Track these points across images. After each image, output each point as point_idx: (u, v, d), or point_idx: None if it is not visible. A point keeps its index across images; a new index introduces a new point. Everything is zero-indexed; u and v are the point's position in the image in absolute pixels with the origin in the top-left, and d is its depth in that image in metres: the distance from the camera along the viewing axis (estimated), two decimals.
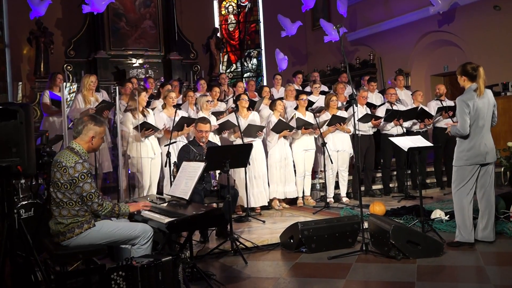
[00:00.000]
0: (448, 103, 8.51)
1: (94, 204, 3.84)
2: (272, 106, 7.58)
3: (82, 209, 3.84)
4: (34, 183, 5.44)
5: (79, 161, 3.81)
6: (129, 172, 6.86)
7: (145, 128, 6.62)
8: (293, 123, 7.45)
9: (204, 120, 6.20)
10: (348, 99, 8.82)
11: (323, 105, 8.09)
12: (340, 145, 7.72)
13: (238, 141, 7.17)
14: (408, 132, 8.15)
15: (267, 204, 7.41)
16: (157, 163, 6.95)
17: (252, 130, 7.09)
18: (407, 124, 8.27)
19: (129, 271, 3.40)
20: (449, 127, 5.36)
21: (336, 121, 7.56)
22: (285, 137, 7.50)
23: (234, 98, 7.85)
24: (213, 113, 7.52)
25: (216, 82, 10.83)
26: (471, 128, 5.09)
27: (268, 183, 7.46)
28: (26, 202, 5.20)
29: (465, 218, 5.11)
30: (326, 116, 7.75)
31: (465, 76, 5.18)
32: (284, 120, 7.47)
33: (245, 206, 6.95)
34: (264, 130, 7.40)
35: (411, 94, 8.93)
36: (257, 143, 7.13)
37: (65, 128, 6.12)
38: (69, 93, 7.14)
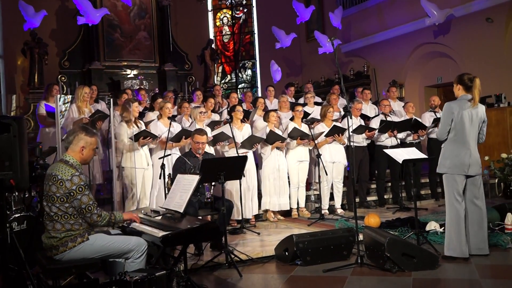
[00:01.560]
0: None
1: (93, 215, 3.82)
2: (265, 118, 7.59)
3: (77, 223, 3.81)
4: (27, 195, 5.40)
5: (76, 173, 3.79)
6: (126, 184, 6.81)
7: (143, 137, 6.60)
8: (287, 134, 7.45)
9: (201, 131, 6.20)
10: (341, 110, 8.85)
11: (318, 116, 8.10)
12: (336, 157, 7.72)
13: (231, 153, 7.16)
14: (402, 143, 8.17)
15: (257, 214, 7.38)
16: (150, 174, 6.91)
17: (251, 142, 7.09)
18: (401, 135, 8.28)
19: (122, 286, 3.37)
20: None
21: (336, 132, 7.57)
22: (279, 148, 7.49)
23: (229, 109, 7.84)
24: (209, 124, 7.51)
25: (211, 93, 10.83)
26: (457, 136, 5.12)
27: (261, 194, 7.47)
28: (19, 215, 5.14)
29: (460, 231, 5.07)
30: (321, 127, 7.76)
31: (461, 85, 5.21)
32: (276, 131, 7.46)
33: (240, 218, 6.93)
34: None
35: (403, 106, 8.95)
36: (248, 155, 7.12)
37: (59, 140, 6.08)
38: (64, 104, 7.11)
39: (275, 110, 7.78)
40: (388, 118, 8.22)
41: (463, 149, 5.12)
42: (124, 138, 6.71)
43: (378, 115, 8.58)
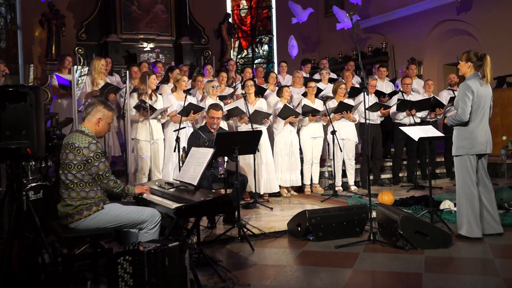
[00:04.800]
0: None
1: (110, 181, 3.91)
2: (279, 93, 7.55)
3: (92, 191, 3.86)
4: (43, 165, 5.44)
5: (93, 141, 3.86)
6: (143, 157, 6.84)
7: (143, 108, 6.59)
8: (299, 110, 7.40)
9: (217, 106, 6.17)
10: (354, 86, 8.74)
11: (331, 93, 8.03)
12: (345, 134, 7.67)
13: (243, 127, 7.14)
14: (422, 122, 8.07)
15: (278, 191, 7.40)
16: (159, 148, 6.92)
17: (258, 117, 7.06)
18: (420, 114, 8.18)
19: (135, 256, 3.39)
20: (446, 119, 5.33)
21: (343, 109, 7.51)
22: (291, 124, 7.46)
23: (242, 84, 7.82)
24: (219, 98, 7.46)
25: (224, 68, 10.78)
26: (473, 115, 5.03)
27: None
28: (35, 184, 5.21)
29: (474, 211, 5.03)
30: (332, 103, 7.70)
31: (471, 62, 5.09)
32: (290, 106, 7.43)
33: (253, 192, 6.95)
34: (271, 117, 7.37)
35: (424, 84, 8.79)
36: (264, 131, 7.10)
37: (75, 111, 6.12)
38: (80, 76, 7.12)
39: (288, 86, 7.73)
40: (406, 97, 8.11)
41: (479, 128, 5.05)
42: (132, 110, 6.73)
43: (396, 92, 8.46)
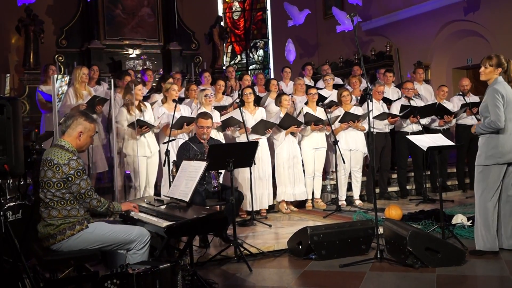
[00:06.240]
0: (473, 99, 8.46)
1: (93, 200, 3.90)
2: (277, 102, 7.57)
3: (74, 209, 3.86)
4: (22, 183, 5.43)
5: (73, 157, 3.84)
6: (127, 172, 6.86)
7: (139, 126, 6.62)
8: (301, 119, 7.43)
9: (205, 115, 6.19)
10: (363, 93, 8.79)
11: (336, 100, 8.07)
12: (353, 144, 7.69)
13: (242, 138, 7.17)
14: (427, 130, 8.10)
15: (270, 205, 7.42)
16: (154, 162, 6.95)
17: (262, 127, 7.08)
18: (424, 121, 8.21)
19: (124, 279, 3.40)
20: (474, 128, 5.34)
21: (349, 119, 7.53)
22: (293, 134, 7.48)
23: (239, 92, 7.83)
24: (216, 108, 7.50)
25: (222, 75, 10.80)
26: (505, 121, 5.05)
27: (276, 184, 7.48)
28: (14, 203, 5.20)
29: (489, 223, 5.06)
30: (339, 111, 7.72)
31: (501, 68, 5.15)
32: (291, 115, 7.45)
33: (249, 209, 6.96)
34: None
35: (437, 89, 8.82)
36: (262, 142, 7.12)
37: (56, 124, 6.13)
38: (60, 86, 7.14)
39: (289, 94, 7.76)
40: (412, 102, 8.14)
41: (507, 135, 5.05)
42: (124, 124, 6.74)
43: (400, 98, 8.50)
